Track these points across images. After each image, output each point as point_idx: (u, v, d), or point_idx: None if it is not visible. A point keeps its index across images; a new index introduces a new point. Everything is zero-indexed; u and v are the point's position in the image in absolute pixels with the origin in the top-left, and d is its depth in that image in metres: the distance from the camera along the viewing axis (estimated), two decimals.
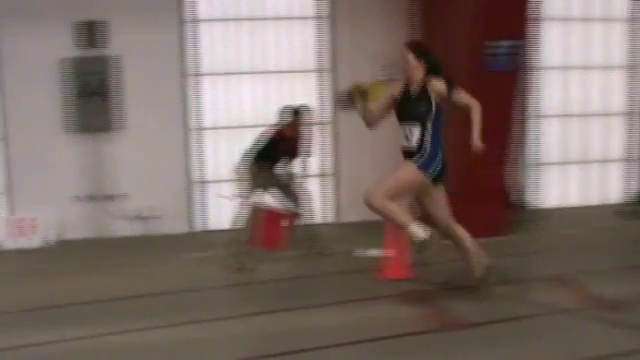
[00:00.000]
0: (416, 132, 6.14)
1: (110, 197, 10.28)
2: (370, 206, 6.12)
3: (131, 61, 10.13)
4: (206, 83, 10.55)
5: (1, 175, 10.27)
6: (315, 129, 9.75)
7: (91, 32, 10.07)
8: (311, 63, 10.73)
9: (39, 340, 5.81)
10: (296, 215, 8.45)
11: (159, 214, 10.18)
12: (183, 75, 10.42)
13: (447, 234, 6.45)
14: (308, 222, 8.57)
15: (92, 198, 10.28)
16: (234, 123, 10.52)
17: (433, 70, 6.24)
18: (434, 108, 6.12)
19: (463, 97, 6.13)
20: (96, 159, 10.26)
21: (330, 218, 10.84)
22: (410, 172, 6.13)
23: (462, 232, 6.40)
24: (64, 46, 10.08)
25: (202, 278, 7.78)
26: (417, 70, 6.27)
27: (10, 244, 9.88)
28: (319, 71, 10.74)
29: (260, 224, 8.20)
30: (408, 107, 6.21)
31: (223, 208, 9.97)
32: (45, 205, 10.03)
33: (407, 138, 6.18)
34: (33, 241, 9.91)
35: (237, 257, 8.00)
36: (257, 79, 10.61)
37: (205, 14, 10.49)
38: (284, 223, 8.34)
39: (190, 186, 10.58)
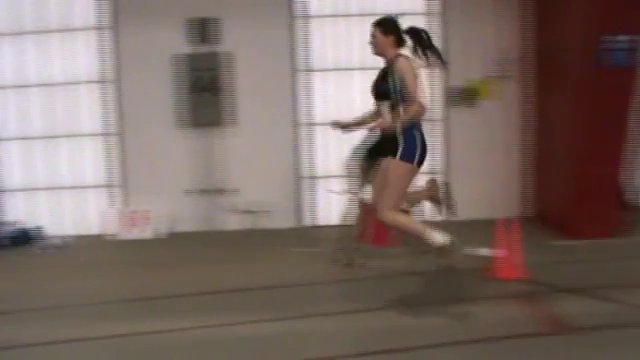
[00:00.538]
0: (385, 111, 6.08)
1: (220, 191, 10.64)
2: (384, 224, 6.18)
3: (242, 57, 10.48)
4: (317, 79, 10.77)
5: (117, 169, 10.84)
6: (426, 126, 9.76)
7: (204, 29, 10.46)
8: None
9: (157, 328, 6.12)
10: (405, 212, 8.50)
11: (268, 208, 10.44)
12: (294, 71, 10.67)
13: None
14: (419, 219, 8.60)
15: (203, 192, 10.67)
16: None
17: (403, 41, 6.10)
18: (399, 87, 5.96)
19: (411, 89, 5.86)
20: (207, 154, 10.64)
21: (440, 216, 10.81)
22: (398, 172, 5.99)
23: (393, 225, 6.23)
24: (177, 43, 10.52)
25: (311, 273, 7.95)
26: (385, 46, 6.15)
27: (124, 235, 10.39)
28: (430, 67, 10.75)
29: (369, 220, 8.31)
30: (376, 84, 6.18)
31: (332, 204, 10.14)
32: (158, 198, 10.50)
33: (383, 117, 6.13)
34: (145, 233, 10.41)
35: (346, 253, 8.14)
36: (367, 75, 10.70)
37: (316, 10, 10.72)
38: None
39: (299, 181, 10.83)
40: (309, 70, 10.72)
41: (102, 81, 10.79)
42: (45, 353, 5.86)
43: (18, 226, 10.67)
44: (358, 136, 8.50)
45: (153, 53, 10.50)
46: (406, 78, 5.91)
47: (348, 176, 8.54)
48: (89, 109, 10.91)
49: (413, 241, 8.36)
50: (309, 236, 10.06)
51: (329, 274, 7.88)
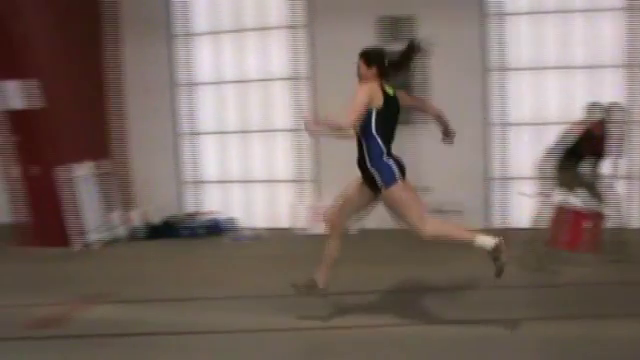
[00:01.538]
0: (358, 147, 6.30)
1: None
2: (427, 239, 6.17)
3: (436, 55, 10.70)
4: (510, 78, 10.83)
5: (308, 164, 11.45)
6: (625, 128, 9.62)
7: (396, 27, 10.80)
8: (619, 57, 10.53)
9: (339, 324, 6.56)
10: (601, 217, 8.43)
11: (459, 208, 10.62)
12: (485, 70, 10.81)
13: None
14: (616, 226, 8.46)
15: None
16: (538, 119, 10.68)
17: (385, 73, 6.31)
18: (373, 117, 6.14)
19: (350, 107, 6.02)
20: (400, 152, 10.92)
21: (638, 222, 10.65)
22: (395, 197, 6.16)
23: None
24: (369, 41, 10.90)
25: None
26: (367, 78, 6.33)
27: (314, 229, 10.97)
28: (629, 66, 10.54)
29: (562, 224, 8.30)
30: None
31: (523, 206, 10.14)
32: None
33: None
34: None
35: (537, 257, 8.15)
36: (563, 74, 10.71)
37: (510, 8, 10.78)
38: (587, 224, 8.34)
39: (489, 182, 10.95)
40: (503, 69, 10.80)
41: (295, 78, 11.44)
42: (226, 341, 6.43)
43: (212, 217, 11.55)
44: (553, 137, 8.60)
45: (345, 51, 10.95)
46: (354, 97, 6.11)
47: (541, 178, 8.57)
48: (282, 106, 11.60)
49: (610, 248, 8.34)
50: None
51: (518, 278, 7.81)
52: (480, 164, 10.89)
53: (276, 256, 9.81)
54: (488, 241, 6.00)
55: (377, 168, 6.20)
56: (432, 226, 6.16)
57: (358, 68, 6.48)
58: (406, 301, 7.34)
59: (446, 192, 10.65)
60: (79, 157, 10.92)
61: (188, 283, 8.56)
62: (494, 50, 10.81)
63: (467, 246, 6.10)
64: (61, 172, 10.60)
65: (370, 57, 6.46)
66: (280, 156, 11.68)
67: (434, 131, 10.67)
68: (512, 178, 10.89)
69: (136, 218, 11.54)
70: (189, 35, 11.94)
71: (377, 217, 10.87)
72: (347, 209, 6.59)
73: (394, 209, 6.27)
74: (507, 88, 10.86)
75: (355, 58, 10.71)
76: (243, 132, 11.68)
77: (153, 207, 11.70)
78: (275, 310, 7.06)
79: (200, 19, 11.93)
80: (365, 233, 10.74)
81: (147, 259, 10.05)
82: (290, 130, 11.54)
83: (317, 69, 11.21)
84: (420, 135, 10.80)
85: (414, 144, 10.85)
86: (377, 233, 10.72)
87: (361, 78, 6.43)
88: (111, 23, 11.89)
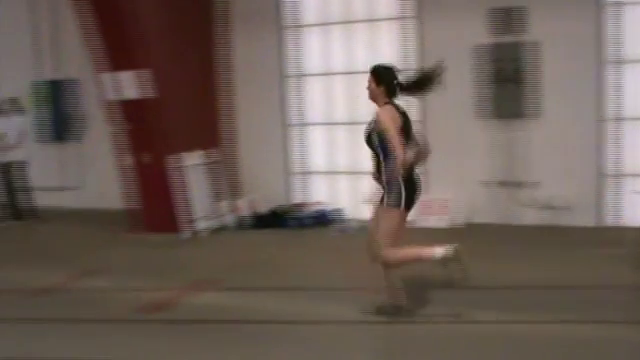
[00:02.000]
0: (374, 161, 6.52)
1: (520, 184, 10.80)
2: (385, 265, 6.55)
3: (548, 48, 10.57)
4: (626, 70, 10.52)
5: None
6: None
7: (508, 18, 10.69)
8: None
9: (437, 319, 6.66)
10: None
11: (568, 205, 10.41)
12: (600, 63, 10.52)
13: (375, 257, 6.58)
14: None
15: (502, 184, 10.91)
16: None
17: (393, 95, 6.44)
18: (377, 137, 6.36)
19: (390, 143, 6.20)
20: (508, 145, 10.89)
21: None
22: (388, 218, 6.40)
23: (395, 262, 6.51)
24: (480, 33, 10.85)
25: (610, 276, 7.86)
26: (375, 95, 6.51)
27: (421, 222, 11.01)
28: None
29: None
30: (365, 134, 6.51)
31: (638, 204, 10.00)
32: (456, 187, 10.96)
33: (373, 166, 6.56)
34: (442, 221, 10.95)
35: None
36: None
37: None
38: None
39: (602, 179, 10.71)
40: (618, 62, 10.51)
41: (404, 70, 11.42)
42: (327, 332, 6.62)
43: (319, 207, 11.74)
44: None
45: (455, 43, 10.92)
46: (385, 131, 6.26)
47: None
48: None
49: None
50: (610, 237, 9.90)
51: (630, 279, 7.70)
52: (592, 160, 10.65)
53: None
54: (437, 253, 6.43)
55: (389, 188, 6.39)
56: (391, 254, 6.49)
57: (368, 84, 6.60)
58: (510, 298, 7.31)
59: (556, 188, 10.53)
60: (189, 146, 11.28)
61: (293, 273, 8.77)
62: (609, 42, 10.51)
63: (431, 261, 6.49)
64: (172, 161, 10.98)
65: (380, 77, 6.56)
66: None
67: (546, 125, 10.67)
68: (626, 175, 10.62)
69: (244, 207, 11.84)
70: (298, 27, 12.14)
71: (484, 211, 10.97)
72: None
73: (380, 224, 6.53)
74: (622, 81, 10.53)
75: (464, 51, 10.84)
76: (351, 124, 11.80)
77: (260, 197, 11.98)
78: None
79: (310, 11, 12.11)
80: (471, 227, 10.75)
81: (253, 248, 10.32)
82: None
83: (426, 62, 11.17)
84: (531, 129, 10.72)
85: (525, 137, 10.76)
86: (483, 228, 10.72)
87: (370, 95, 6.63)
88: (222, 15, 12.21)
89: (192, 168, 11.23)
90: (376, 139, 6.42)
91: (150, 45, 10.86)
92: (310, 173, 12.33)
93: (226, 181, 12.04)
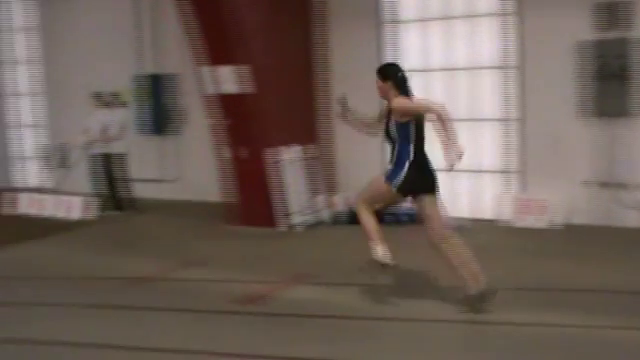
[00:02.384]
0: (390, 149, 7.07)
1: (623, 185, 10.54)
2: (355, 210, 7.37)
3: None
4: None
5: (515, 155, 11.34)
6: None
7: (613, 14, 10.42)
8: None
9: (535, 320, 6.57)
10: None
11: None
12: None
13: (434, 245, 6.99)
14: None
15: (603, 185, 10.65)
16: None
17: (402, 88, 6.93)
18: (394, 126, 6.88)
19: (420, 106, 6.88)
20: (611, 145, 10.62)
21: None
22: (379, 182, 7.09)
23: (455, 249, 6.91)
24: (583, 28, 10.60)
25: None
26: (385, 91, 7.05)
27: (518, 222, 10.87)
28: None
29: None
30: (384, 129, 7.08)
31: None
32: (555, 187, 10.77)
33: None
34: (540, 222, 10.75)
35: None
36: None
37: None
38: None
39: None
40: None
41: (504, 67, 11.33)
42: (414, 329, 6.69)
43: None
44: None
45: (557, 39, 10.73)
46: (408, 106, 6.87)
47: None
48: (490, 94, 11.53)
49: None
50: None
51: None
52: None
53: (480, 247, 9.78)
54: (378, 255, 7.07)
55: (394, 168, 6.95)
56: (362, 210, 7.25)
57: (377, 83, 7.14)
58: (610, 301, 7.18)
59: None
60: (287, 141, 11.43)
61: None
62: None
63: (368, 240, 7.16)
64: (269, 155, 11.14)
65: (383, 72, 7.14)
66: (486, 146, 11.60)
67: None
68: None
69: (339, 203, 11.91)
70: (397, 22, 12.11)
71: (584, 212, 10.74)
72: (431, 222, 7.04)
73: (368, 185, 7.33)
74: None
75: (566, 48, 10.63)
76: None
77: (355, 193, 11.99)
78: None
79: (408, 6, 12.07)
80: (570, 228, 10.57)
81: (348, 244, 10.35)
82: (498, 120, 11.45)
83: (527, 58, 11.05)
84: (635, 128, 10.44)
85: (630, 137, 10.49)
86: (582, 229, 10.53)
87: (380, 93, 7.16)
88: (319, 13, 12.30)
89: (289, 163, 11.38)
90: (394, 128, 6.94)
91: (249, 41, 11.06)
92: None
93: (322, 177, 12.13)
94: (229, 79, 11.05)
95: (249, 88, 10.97)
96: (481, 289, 6.78)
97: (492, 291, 6.78)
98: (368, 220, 7.22)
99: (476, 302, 6.80)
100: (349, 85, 12.01)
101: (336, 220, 11.68)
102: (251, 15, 11.06)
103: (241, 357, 6.23)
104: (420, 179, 6.92)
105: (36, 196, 14.24)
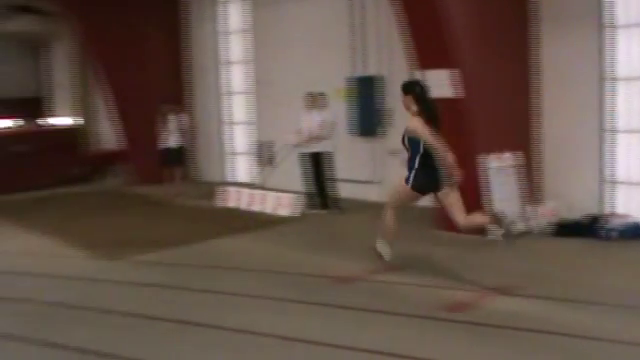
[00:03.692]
0: (407, 156, 8.79)
1: None
2: (384, 215, 9.11)
3: None
4: None
5: None
6: None
7: None
8: None
9: None
10: None
11: None
12: None
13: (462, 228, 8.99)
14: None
15: None
16: None
17: (422, 103, 8.62)
18: (407, 140, 8.70)
19: (426, 139, 8.47)
20: None
21: None
22: (400, 185, 8.98)
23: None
24: None
25: None
26: (407, 104, 8.74)
27: None
28: None
29: None
30: (402, 137, 8.83)
31: None
32: None
33: None
34: None
35: None
36: None
37: None
38: None
39: None
40: None
41: None
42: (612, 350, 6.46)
43: (630, 220, 11.18)
44: None
45: None
46: (417, 132, 8.50)
47: None
48: None
49: None
50: None
51: None
52: None
53: None
54: (383, 251, 9.18)
55: (408, 172, 8.76)
56: (388, 214, 9.10)
57: (402, 101, 8.84)
58: None
59: None
60: (496, 148, 11.28)
61: (595, 286, 8.54)
62: None
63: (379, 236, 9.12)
64: (478, 161, 11.05)
65: (404, 88, 8.83)
66: None
67: None
68: None
69: (547, 213, 11.63)
70: (616, 27, 11.57)
71: None
72: (451, 209, 8.85)
73: (394, 188, 9.35)
74: None
75: None
76: None
77: (565, 203, 11.71)
78: None
79: (630, 10, 11.49)
80: None
81: (555, 256, 10.14)
82: None
83: None
84: None
85: None
86: None
87: (405, 106, 8.80)
88: (534, 15, 12.05)
89: (498, 170, 11.22)
90: (407, 140, 8.69)
91: (461, 45, 10.99)
92: (621, 183, 11.73)
93: (530, 185, 11.89)
94: (438, 83, 11.05)
95: (458, 92, 10.93)
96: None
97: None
98: (390, 222, 9.07)
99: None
100: (561, 90, 11.75)
101: (542, 231, 11.41)
102: (461, 18, 11.00)
103: None
104: (427, 181, 8.66)
105: (247, 191, 14.93)
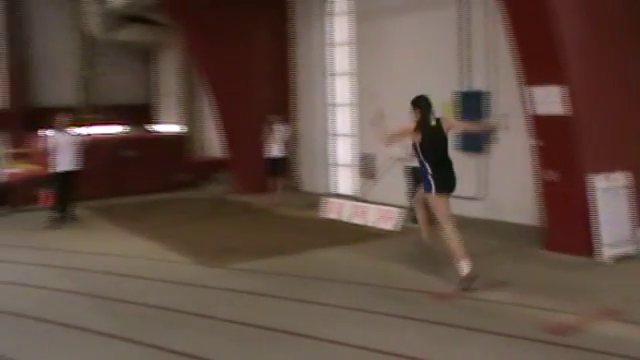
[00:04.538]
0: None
1: None
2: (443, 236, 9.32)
3: None
4: None
5: None
6: None
7: None
8: None
9: None
10: None
11: None
12: None
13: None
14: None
15: None
16: None
17: (424, 114, 9.26)
18: (412, 146, 9.36)
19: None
20: None
21: None
22: (429, 198, 9.35)
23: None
24: None
25: None
26: (414, 116, 9.33)
27: None
28: None
29: None
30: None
31: None
32: None
33: None
34: None
35: None
36: None
37: None
38: None
39: None
40: None
41: None
42: None
43: None
44: None
45: None
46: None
47: None
48: None
49: None
50: None
51: None
52: None
53: None
54: (464, 268, 9.09)
55: (423, 181, 9.30)
56: (447, 232, 9.25)
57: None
58: None
59: None
60: (608, 167, 10.97)
61: None
62: None
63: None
64: (585, 182, 10.80)
65: (413, 103, 9.44)
66: None
67: None
68: None
69: None
70: None
71: None
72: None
73: (431, 208, 9.45)
74: None
75: None
76: None
77: None
78: None
79: None
80: None
81: None
82: None
83: None
84: None
85: None
86: None
87: (412, 116, 9.33)
88: None
89: (608, 190, 10.90)
90: (414, 146, 9.33)
91: (572, 61, 10.75)
92: None
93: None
94: (546, 100, 10.89)
95: (566, 110, 10.72)
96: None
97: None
98: (454, 240, 9.21)
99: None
100: None
101: None
102: (573, 31, 10.74)
103: None
104: (446, 179, 9.24)
105: (349, 203, 15.03)
